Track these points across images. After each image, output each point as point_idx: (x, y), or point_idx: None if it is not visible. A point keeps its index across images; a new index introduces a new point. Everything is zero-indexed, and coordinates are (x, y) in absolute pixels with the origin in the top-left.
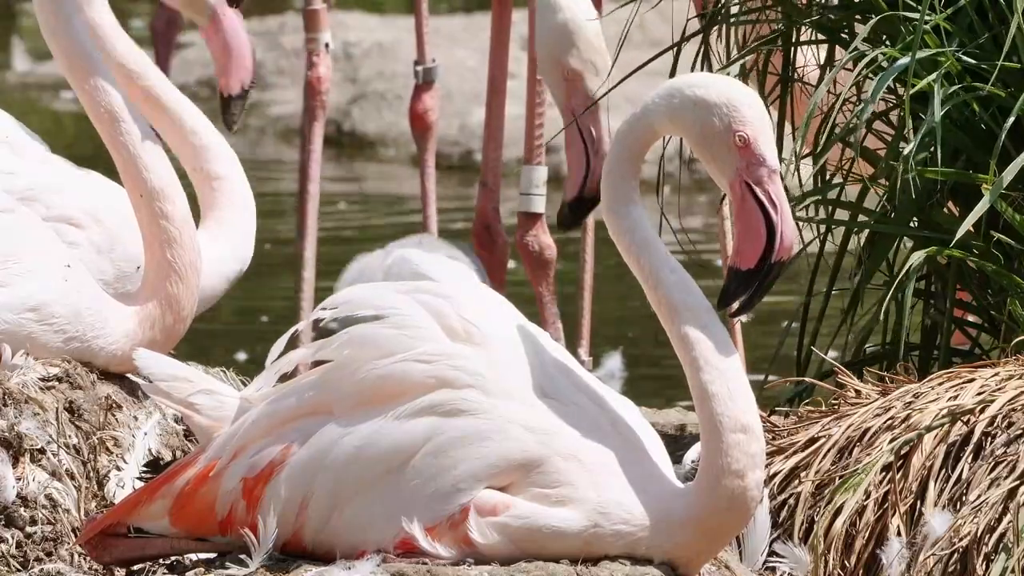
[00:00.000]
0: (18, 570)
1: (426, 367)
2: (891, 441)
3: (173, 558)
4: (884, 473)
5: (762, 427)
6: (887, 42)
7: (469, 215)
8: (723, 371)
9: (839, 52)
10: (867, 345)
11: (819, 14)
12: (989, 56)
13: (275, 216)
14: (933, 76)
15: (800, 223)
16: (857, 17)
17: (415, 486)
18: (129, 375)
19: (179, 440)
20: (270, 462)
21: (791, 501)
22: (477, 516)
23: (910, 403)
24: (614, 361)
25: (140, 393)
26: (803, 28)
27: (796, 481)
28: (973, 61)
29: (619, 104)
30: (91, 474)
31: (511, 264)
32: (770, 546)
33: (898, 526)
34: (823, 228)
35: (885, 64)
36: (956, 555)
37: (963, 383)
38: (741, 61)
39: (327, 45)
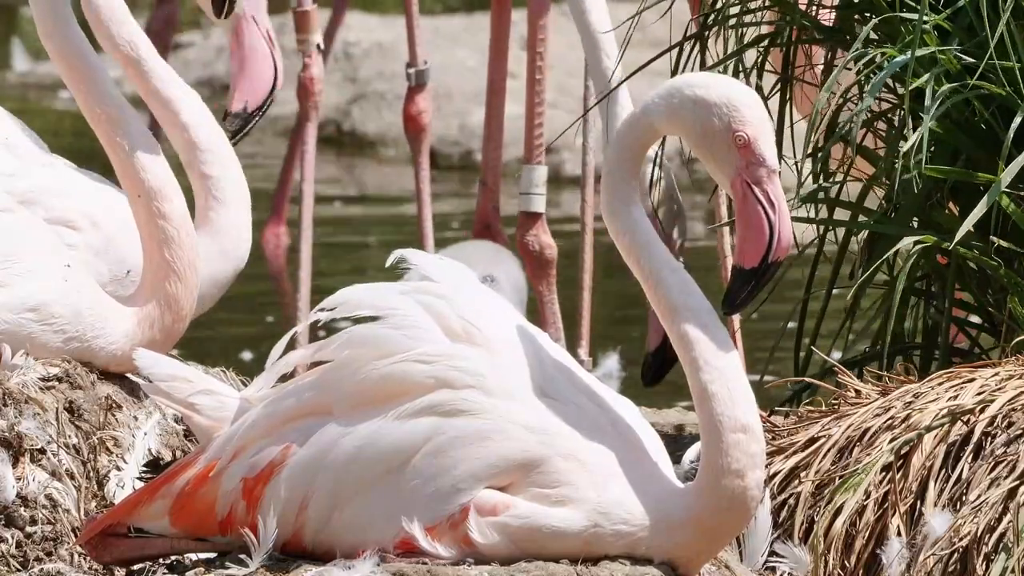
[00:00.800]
0: (18, 570)
1: (426, 367)
2: (891, 441)
3: (173, 558)
4: (884, 473)
5: (762, 427)
6: (887, 42)
7: (469, 215)
8: (723, 371)
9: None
10: (867, 345)
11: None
12: (987, 55)
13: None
14: (925, 77)
15: (801, 223)
16: (857, 17)
17: (415, 486)
18: (129, 375)
19: (179, 440)
20: (270, 462)
21: (791, 501)
22: (477, 516)
23: (910, 403)
24: (612, 361)
25: (140, 393)
26: (802, 27)
27: (796, 481)
28: (972, 60)
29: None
30: (91, 474)
31: None
32: (770, 546)
33: (898, 526)
34: (823, 228)
35: (885, 64)
36: (956, 555)
37: (963, 383)
38: (738, 59)
39: (319, 46)
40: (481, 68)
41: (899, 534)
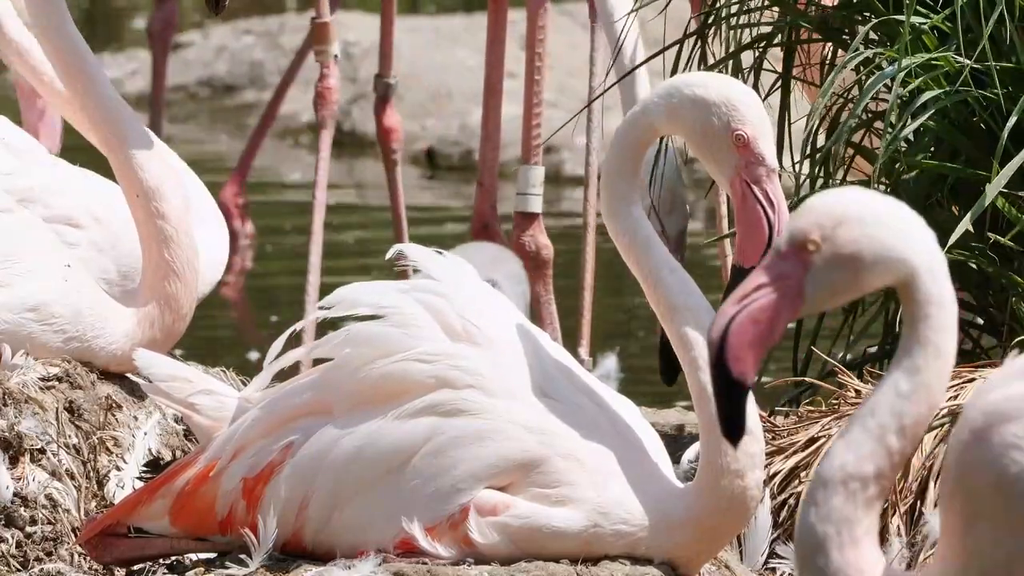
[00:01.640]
0: (18, 570)
1: (426, 367)
2: None
3: (173, 558)
4: None
5: (762, 427)
6: (887, 43)
7: (469, 215)
8: None
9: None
10: (867, 345)
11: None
12: (984, 57)
13: (277, 215)
14: (919, 80)
15: None
16: (857, 17)
17: (415, 486)
18: (129, 375)
19: (179, 440)
20: (270, 462)
21: (791, 501)
22: (477, 516)
23: None
24: (611, 361)
25: (140, 393)
26: (803, 27)
27: (796, 481)
28: (970, 62)
29: (619, 104)
30: (91, 474)
31: None
32: (770, 546)
33: (898, 526)
34: None
35: (884, 65)
36: None
37: (963, 383)
38: (736, 59)
39: (336, 56)
40: (481, 68)
41: (899, 534)
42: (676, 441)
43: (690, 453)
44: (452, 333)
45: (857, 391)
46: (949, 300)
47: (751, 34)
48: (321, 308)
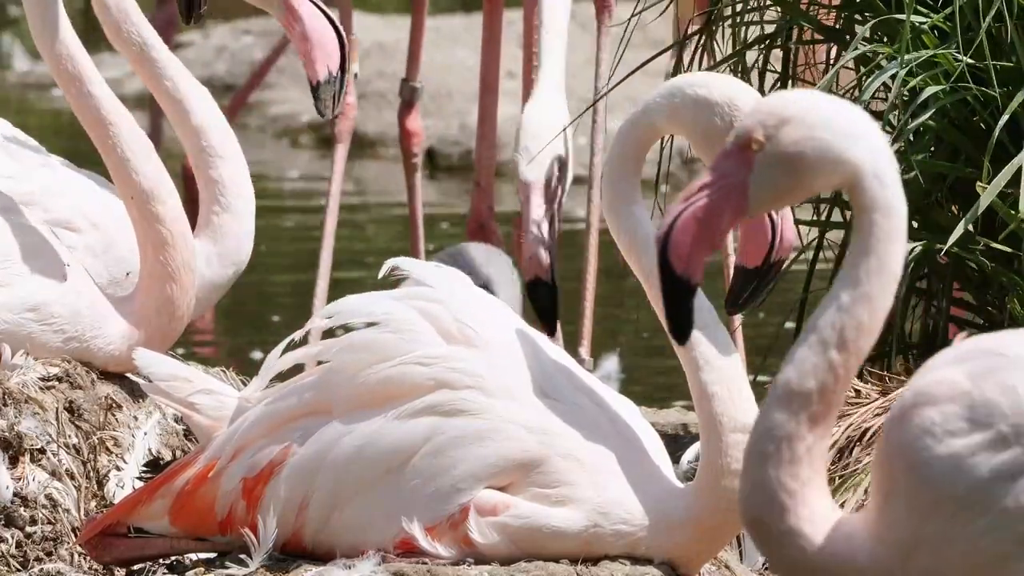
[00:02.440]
0: (18, 570)
1: (425, 369)
2: None
3: (173, 558)
4: None
5: None
6: (886, 42)
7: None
8: (723, 371)
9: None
10: None
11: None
12: (985, 56)
13: (277, 215)
14: (919, 78)
15: (801, 222)
16: (857, 17)
17: (415, 486)
18: (129, 375)
19: (179, 440)
20: (270, 462)
21: None
22: (477, 516)
23: None
24: (612, 362)
25: (140, 393)
26: (803, 27)
27: None
28: (971, 60)
29: (620, 104)
30: (91, 474)
31: None
32: None
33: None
34: (822, 228)
35: (884, 63)
36: None
37: None
38: (738, 59)
39: (356, 75)
40: None
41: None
42: (676, 441)
43: (690, 453)
44: (449, 337)
45: (857, 391)
46: (896, 208)
47: (748, 33)
48: (319, 318)
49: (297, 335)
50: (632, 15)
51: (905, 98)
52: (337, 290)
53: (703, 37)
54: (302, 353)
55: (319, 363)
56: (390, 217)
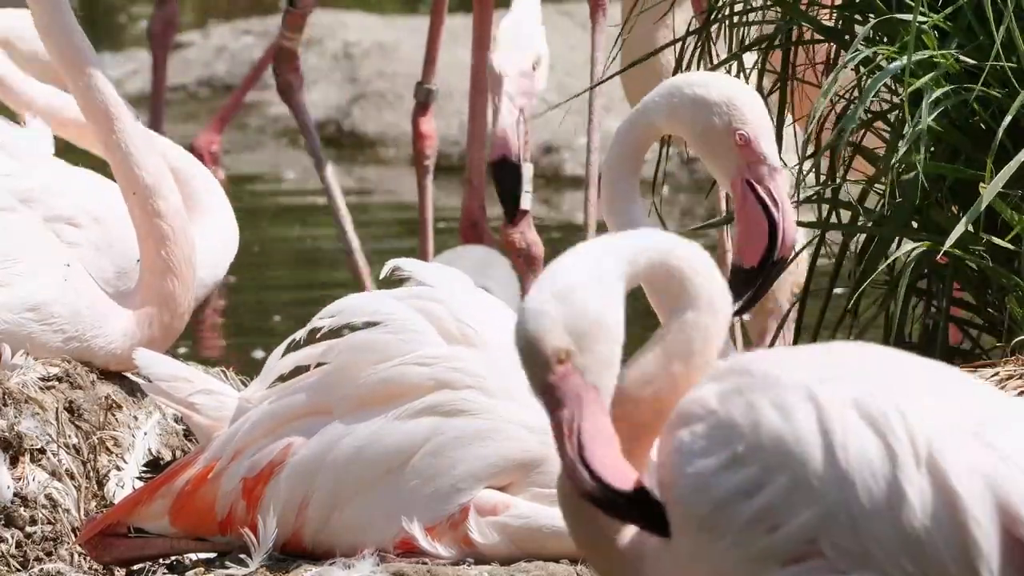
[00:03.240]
0: (18, 570)
1: (425, 370)
2: None
3: (173, 558)
4: None
5: None
6: (886, 42)
7: None
8: None
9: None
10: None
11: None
12: (986, 57)
13: (277, 215)
14: (926, 78)
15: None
16: (857, 17)
17: (415, 486)
18: (129, 375)
19: (179, 440)
20: (270, 462)
21: None
22: (477, 516)
23: None
24: None
25: (140, 393)
26: (803, 27)
27: None
28: (972, 61)
29: (619, 104)
30: (91, 474)
31: None
32: None
33: None
34: (822, 229)
35: (884, 64)
36: None
37: None
38: (737, 60)
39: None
40: None
41: None
42: None
43: None
44: (449, 337)
45: None
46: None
47: (747, 32)
48: (320, 319)
49: (299, 334)
50: (632, 14)
51: (907, 98)
52: (337, 290)
53: (703, 37)
54: (303, 355)
55: (320, 364)
56: (390, 218)
